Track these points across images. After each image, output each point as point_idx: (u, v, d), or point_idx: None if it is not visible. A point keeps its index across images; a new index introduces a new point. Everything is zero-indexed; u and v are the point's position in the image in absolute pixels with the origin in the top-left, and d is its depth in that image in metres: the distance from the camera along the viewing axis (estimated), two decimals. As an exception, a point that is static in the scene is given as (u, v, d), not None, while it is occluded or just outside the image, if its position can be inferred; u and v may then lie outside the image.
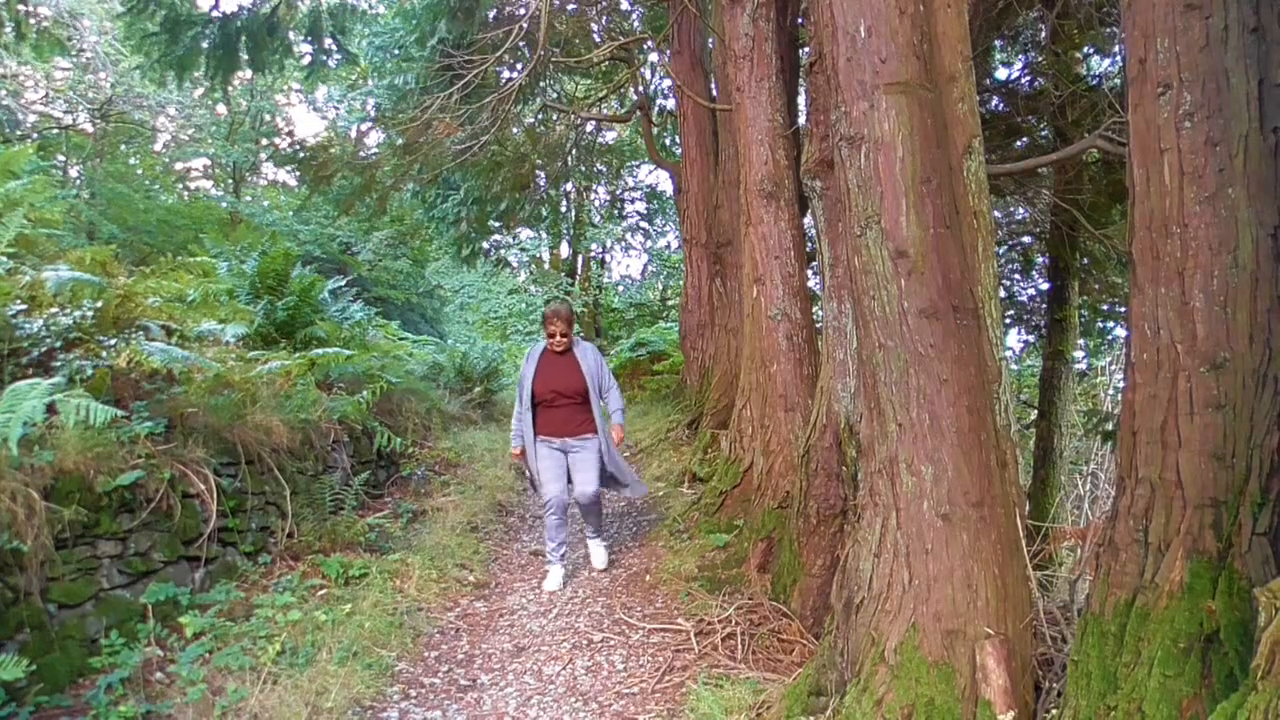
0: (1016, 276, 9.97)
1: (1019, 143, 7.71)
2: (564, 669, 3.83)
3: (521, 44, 8.33)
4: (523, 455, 5.15)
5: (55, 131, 16.08)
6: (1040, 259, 9.35)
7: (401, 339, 10.62)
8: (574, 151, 13.90)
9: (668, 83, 11.92)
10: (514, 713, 3.44)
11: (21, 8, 8.82)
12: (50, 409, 3.58)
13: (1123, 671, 2.06)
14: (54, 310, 4.59)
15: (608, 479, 5.23)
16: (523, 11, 9.45)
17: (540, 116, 13.26)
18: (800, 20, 7.12)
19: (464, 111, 8.21)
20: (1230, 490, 2.00)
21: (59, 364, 4.17)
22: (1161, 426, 2.09)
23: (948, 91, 3.02)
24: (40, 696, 3.18)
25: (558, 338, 4.99)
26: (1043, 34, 7.02)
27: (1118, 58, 6.89)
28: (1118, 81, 6.05)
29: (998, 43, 7.32)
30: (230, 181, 21.06)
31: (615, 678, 3.72)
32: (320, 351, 6.14)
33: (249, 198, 21.03)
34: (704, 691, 3.32)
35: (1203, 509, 2.02)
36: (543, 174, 13.37)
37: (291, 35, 9.57)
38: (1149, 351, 2.13)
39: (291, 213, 17.84)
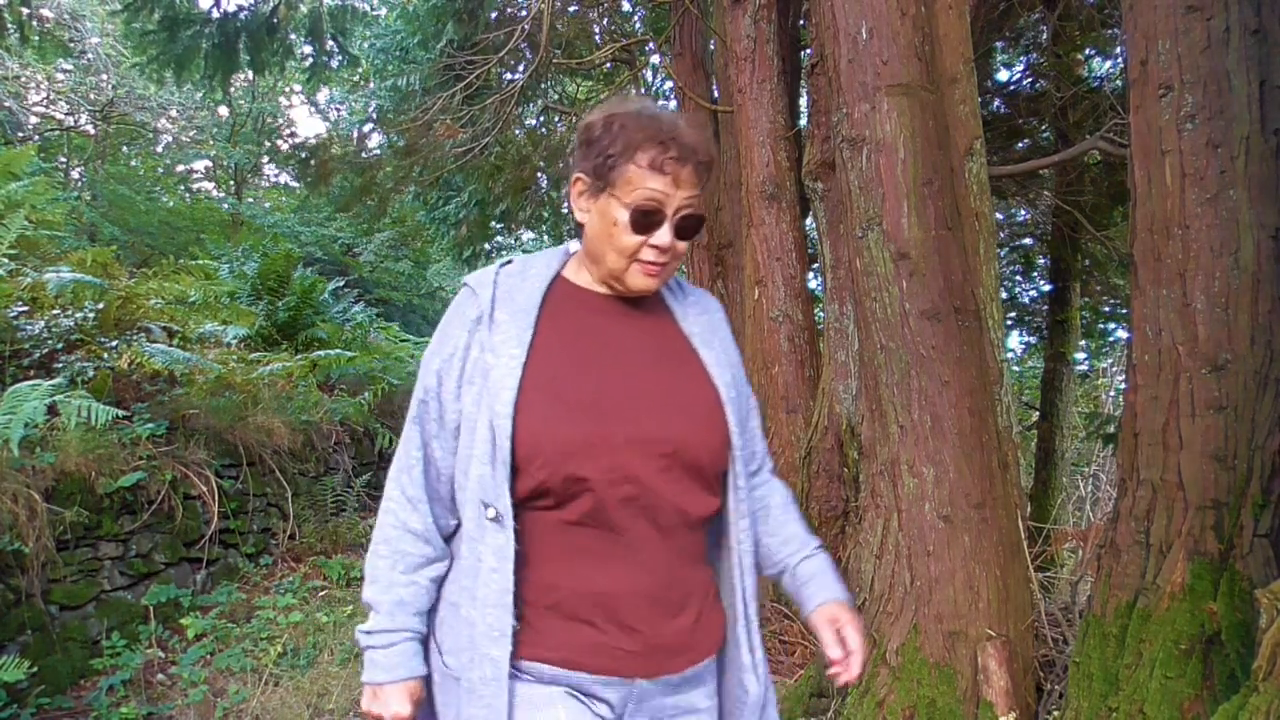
0: (1018, 278, 9.96)
1: (1020, 144, 7.70)
2: (565, 670, 3.82)
3: (523, 45, 8.34)
4: None
5: (57, 133, 16.11)
6: (1041, 261, 9.34)
7: (403, 340, 10.63)
8: (575, 153, 13.90)
9: (669, 84, 11.93)
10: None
11: (25, 10, 8.83)
12: (52, 410, 3.59)
13: (1124, 673, 2.05)
14: (55, 312, 4.60)
15: None
16: (524, 13, 9.46)
17: (542, 118, 13.27)
18: (802, 22, 7.12)
19: (466, 113, 8.21)
20: (1231, 492, 1.99)
21: (60, 365, 4.18)
22: (1163, 428, 2.09)
23: (949, 93, 3.02)
24: (42, 698, 3.19)
25: (664, 230, 1.13)
26: (1044, 36, 7.03)
27: (1119, 60, 6.89)
28: (1119, 83, 6.05)
29: (999, 44, 7.32)
30: (232, 183, 21.08)
31: (616, 679, 3.70)
32: (322, 353, 6.16)
33: (251, 200, 21.05)
34: (705, 693, 3.31)
35: (1204, 511, 2.02)
36: (544, 176, 13.38)
37: (292, 36, 9.58)
38: (1150, 353, 2.13)
39: (293, 214, 17.87)
